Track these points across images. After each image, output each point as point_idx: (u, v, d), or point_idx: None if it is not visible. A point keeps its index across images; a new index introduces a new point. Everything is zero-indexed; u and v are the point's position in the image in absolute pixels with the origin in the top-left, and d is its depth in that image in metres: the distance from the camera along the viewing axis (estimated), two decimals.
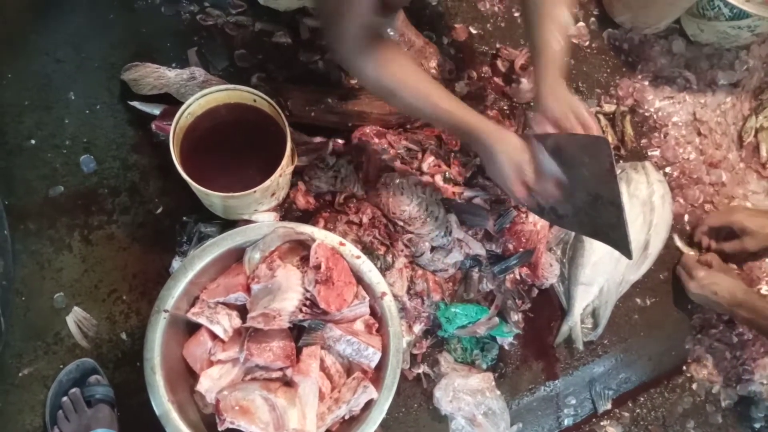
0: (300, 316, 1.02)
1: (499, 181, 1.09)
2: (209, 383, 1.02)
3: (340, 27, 1.00)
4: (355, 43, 1.00)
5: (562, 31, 1.07)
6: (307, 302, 1.03)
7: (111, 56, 1.35)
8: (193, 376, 1.03)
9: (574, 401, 1.36)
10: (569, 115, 1.02)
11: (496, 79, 1.47)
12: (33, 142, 1.28)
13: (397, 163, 1.31)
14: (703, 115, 1.55)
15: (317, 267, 1.02)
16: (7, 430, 1.15)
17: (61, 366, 1.18)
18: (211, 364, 1.03)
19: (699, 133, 1.54)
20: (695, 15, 1.52)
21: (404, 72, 1.04)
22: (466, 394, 1.24)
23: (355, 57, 1.02)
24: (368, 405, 1.03)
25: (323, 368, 1.02)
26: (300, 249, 1.07)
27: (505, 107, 1.46)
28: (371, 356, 1.04)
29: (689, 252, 1.45)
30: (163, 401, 0.96)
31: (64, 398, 1.15)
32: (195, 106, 1.11)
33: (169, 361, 0.99)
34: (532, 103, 1.25)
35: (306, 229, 1.06)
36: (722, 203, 1.50)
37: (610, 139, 1.47)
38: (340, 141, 1.34)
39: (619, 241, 1.00)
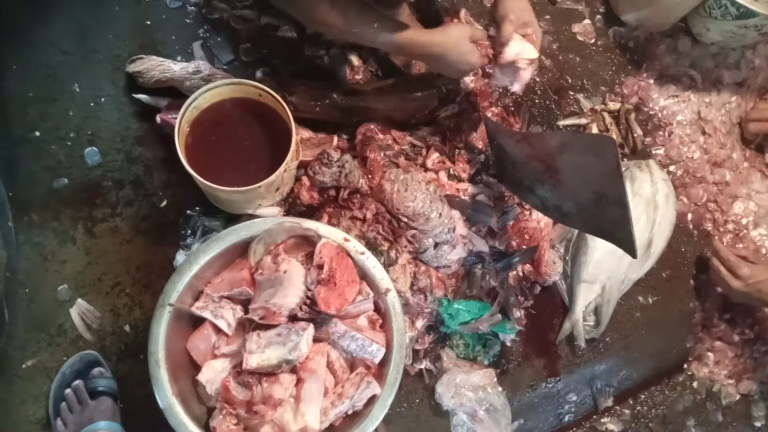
0: (299, 314, 1.03)
1: (464, 68, 1.17)
2: (211, 374, 1.02)
3: None
4: None
5: None
6: (308, 301, 1.03)
7: (116, 48, 1.34)
8: (196, 370, 1.03)
9: (575, 398, 1.36)
10: (525, 29, 1.13)
11: None
12: (37, 133, 1.28)
13: (402, 160, 1.31)
14: (707, 114, 1.55)
15: (320, 267, 1.02)
16: (11, 421, 1.15)
17: (65, 358, 1.19)
18: (215, 357, 1.03)
19: (703, 132, 1.54)
20: (701, 14, 1.51)
21: (344, 4, 1.05)
22: (468, 390, 1.25)
23: None
24: (371, 400, 1.03)
25: (328, 363, 1.02)
26: (305, 245, 1.07)
27: (510, 104, 1.46)
28: (375, 352, 1.05)
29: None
30: (167, 394, 0.96)
31: (67, 390, 1.15)
32: (201, 99, 1.11)
33: (173, 354, 0.99)
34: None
35: (312, 225, 1.06)
36: (726, 203, 1.50)
37: (614, 136, 1.47)
38: (344, 136, 1.34)
39: (624, 240, 1.00)
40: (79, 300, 1.22)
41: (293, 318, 1.02)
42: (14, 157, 1.26)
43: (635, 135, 1.49)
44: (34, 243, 1.23)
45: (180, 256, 1.24)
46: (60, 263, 1.23)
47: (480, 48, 1.15)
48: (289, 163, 1.12)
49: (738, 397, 1.43)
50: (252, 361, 0.97)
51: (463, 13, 1.49)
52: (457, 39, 1.13)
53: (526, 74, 1.17)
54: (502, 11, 1.14)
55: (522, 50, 1.14)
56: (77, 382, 1.15)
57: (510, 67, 1.16)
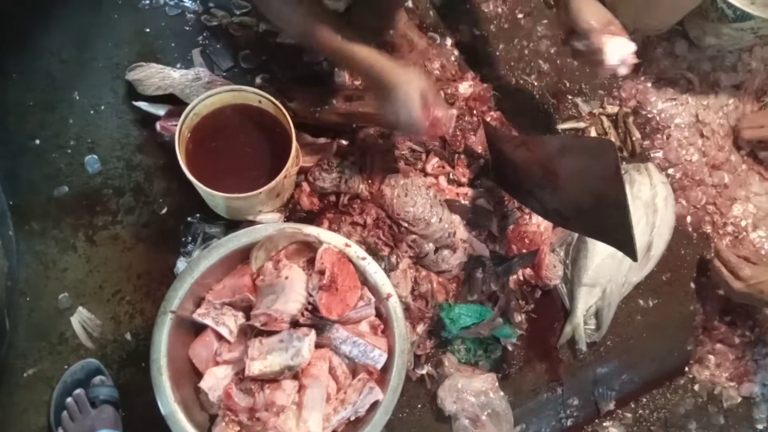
0: (301, 320, 1.03)
1: (403, 114, 1.03)
2: (213, 381, 1.02)
3: None
4: None
5: None
6: (309, 307, 1.03)
7: (115, 56, 1.35)
8: (198, 377, 1.03)
9: (576, 402, 1.36)
10: (609, 27, 1.11)
11: None
12: (37, 142, 1.28)
13: (401, 165, 1.32)
14: (705, 117, 1.55)
15: (321, 272, 1.02)
16: (12, 430, 1.15)
17: (66, 366, 1.19)
18: (216, 364, 1.03)
19: (701, 135, 1.55)
20: (698, 17, 1.52)
21: (311, 10, 1.02)
22: (470, 395, 1.25)
23: None
24: (374, 406, 1.03)
25: (330, 369, 1.02)
26: (307, 251, 1.07)
27: (509, 109, 1.46)
28: (377, 358, 1.05)
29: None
30: (169, 402, 0.96)
31: (69, 399, 1.15)
32: (201, 106, 1.11)
33: (175, 361, 0.99)
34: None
35: (313, 231, 1.06)
36: (724, 205, 1.50)
37: (612, 139, 1.47)
38: (344, 142, 1.34)
39: (624, 243, 1.00)
40: (80, 308, 1.22)
41: (295, 324, 1.02)
42: (14, 165, 1.26)
43: (634, 138, 1.49)
44: (35, 251, 1.23)
45: (181, 263, 1.24)
46: (61, 271, 1.23)
47: (425, 111, 1.03)
48: (290, 169, 1.12)
49: (739, 399, 1.43)
50: (254, 368, 0.97)
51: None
52: (411, 82, 1.02)
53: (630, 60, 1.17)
54: (584, 23, 1.12)
55: (619, 47, 1.13)
56: (78, 391, 1.15)
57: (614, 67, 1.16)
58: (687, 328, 1.45)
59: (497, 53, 1.51)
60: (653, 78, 1.56)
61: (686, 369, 1.44)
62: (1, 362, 1.15)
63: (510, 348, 1.33)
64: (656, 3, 1.48)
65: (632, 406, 1.40)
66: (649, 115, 1.54)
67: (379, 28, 1.36)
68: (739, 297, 1.36)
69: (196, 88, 1.28)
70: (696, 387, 1.43)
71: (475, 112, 1.41)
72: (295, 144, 1.12)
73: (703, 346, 1.45)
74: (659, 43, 1.59)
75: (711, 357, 1.44)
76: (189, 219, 1.27)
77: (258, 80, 1.36)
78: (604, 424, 1.37)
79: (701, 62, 1.59)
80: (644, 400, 1.41)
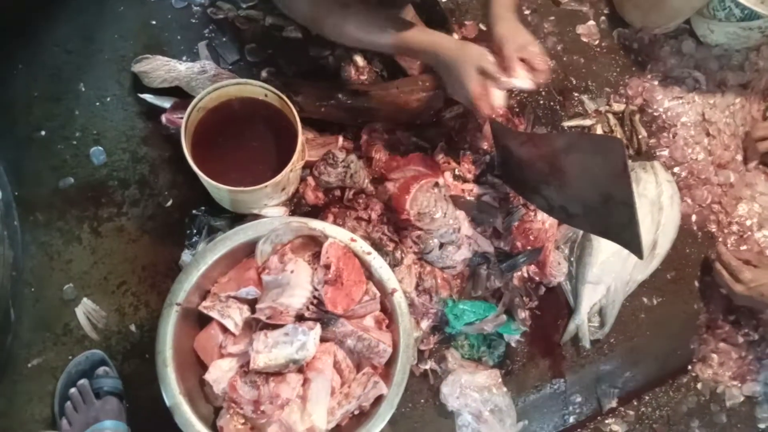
0: (306, 314, 1.03)
1: (461, 91, 1.08)
2: (218, 373, 1.03)
3: None
4: None
5: None
6: (315, 301, 1.03)
7: (121, 48, 1.34)
8: (203, 369, 1.03)
9: (579, 399, 1.36)
10: (522, 53, 1.06)
11: None
12: (43, 133, 1.28)
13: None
14: (712, 116, 1.55)
15: (327, 266, 1.02)
16: (16, 420, 1.15)
17: (70, 357, 1.19)
18: (221, 357, 1.03)
19: (708, 134, 1.54)
20: (706, 15, 1.51)
21: (359, 12, 1.07)
22: (473, 391, 1.25)
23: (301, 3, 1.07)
24: (378, 400, 1.03)
25: (335, 363, 1.03)
26: (312, 245, 1.07)
27: (514, 105, 1.46)
28: (382, 352, 1.05)
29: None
30: (174, 393, 0.96)
31: (73, 389, 1.15)
32: (207, 99, 1.11)
33: (180, 353, 0.99)
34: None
35: (318, 225, 1.06)
36: (730, 204, 1.50)
37: (618, 137, 1.47)
38: (349, 137, 1.34)
39: (630, 241, 1.00)
40: (85, 299, 1.22)
41: (300, 318, 1.03)
42: (20, 156, 1.26)
43: (640, 136, 1.49)
44: (40, 242, 1.23)
45: (185, 256, 1.24)
46: (66, 263, 1.23)
47: (481, 87, 1.05)
48: (295, 164, 1.12)
49: (742, 398, 1.43)
50: (259, 361, 0.97)
51: None
52: (468, 58, 1.05)
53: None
54: (497, 40, 1.08)
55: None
56: (82, 382, 1.15)
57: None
58: (691, 327, 1.44)
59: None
60: (660, 76, 1.56)
61: (689, 367, 1.44)
62: (6, 352, 1.15)
63: (513, 344, 1.33)
64: (664, 1, 1.48)
65: (635, 403, 1.40)
66: (655, 114, 1.54)
67: None
68: (741, 300, 1.36)
69: (201, 81, 1.28)
70: (699, 385, 1.43)
71: None
72: (301, 138, 1.11)
73: (706, 344, 1.44)
74: (666, 41, 1.58)
75: (714, 356, 1.44)
76: (194, 212, 1.27)
77: (264, 74, 1.36)
78: (607, 422, 1.37)
79: (708, 61, 1.58)
80: (647, 397, 1.40)
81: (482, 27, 1.51)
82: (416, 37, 1.08)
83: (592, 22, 1.57)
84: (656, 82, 1.56)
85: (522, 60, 1.05)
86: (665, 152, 1.52)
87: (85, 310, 1.21)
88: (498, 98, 1.07)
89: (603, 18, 1.59)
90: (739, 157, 1.55)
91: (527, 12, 1.54)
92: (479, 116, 1.13)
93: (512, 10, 1.13)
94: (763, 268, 1.35)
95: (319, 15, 1.06)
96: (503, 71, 1.05)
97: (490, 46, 1.09)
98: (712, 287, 1.45)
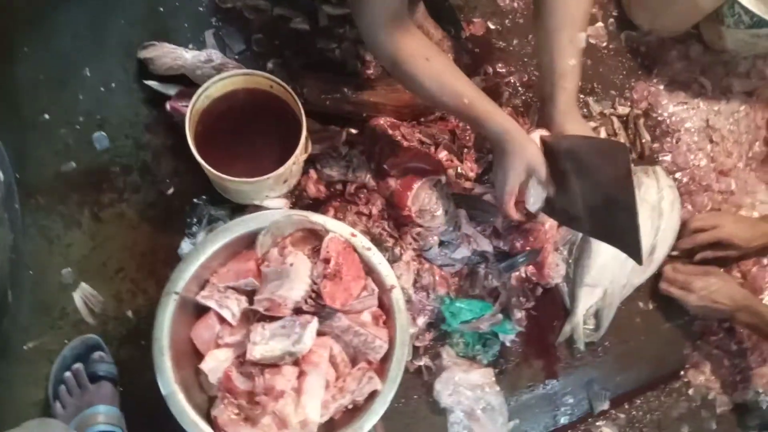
0: (304, 307, 1.03)
1: (501, 180, 1.09)
2: (214, 363, 1.03)
3: (375, 16, 1.00)
4: (389, 35, 1.01)
5: (580, 57, 1.07)
6: (313, 294, 1.03)
7: (128, 34, 1.34)
8: (199, 359, 1.03)
9: (571, 400, 1.37)
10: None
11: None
12: (47, 117, 1.28)
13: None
14: (716, 123, 1.55)
15: (327, 261, 1.02)
16: (11, 402, 1.16)
17: (66, 341, 1.19)
18: (218, 347, 1.04)
19: (711, 141, 1.54)
20: (714, 21, 1.51)
21: (436, 68, 1.04)
22: (466, 389, 1.26)
23: (390, 49, 1.03)
24: (372, 395, 1.03)
25: (330, 357, 1.03)
26: (312, 238, 1.07)
27: (519, 105, 1.46)
28: (378, 348, 1.05)
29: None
30: (169, 382, 0.97)
31: (67, 373, 1.15)
32: (213, 89, 1.11)
33: (176, 342, 1.00)
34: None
35: (319, 219, 1.06)
36: (729, 211, 1.50)
37: (622, 141, 1.47)
38: (353, 131, 1.34)
39: (631, 246, 1.00)
40: (83, 284, 1.22)
41: (298, 311, 1.03)
42: (23, 139, 1.26)
43: (643, 140, 1.49)
44: (40, 226, 1.23)
45: (185, 245, 1.24)
46: (65, 247, 1.23)
47: (521, 188, 1.08)
48: (299, 156, 1.12)
49: (732, 405, 1.44)
50: (256, 352, 0.97)
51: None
52: (526, 155, 1.04)
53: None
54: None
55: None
56: (77, 366, 1.16)
57: None
58: (685, 333, 1.45)
59: (511, 48, 1.50)
60: (666, 80, 1.56)
61: (682, 373, 1.44)
62: (3, 335, 1.15)
63: (508, 344, 1.33)
64: (673, 5, 1.47)
65: (626, 406, 1.41)
66: (659, 118, 1.53)
67: None
68: (696, 310, 1.38)
69: (207, 70, 1.28)
70: (690, 391, 1.44)
71: None
72: (305, 131, 1.11)
73: (699, 351, 1.45)
74: (674, 45, 1.58)
75: (707, 362, 1.45)
76: (195, 200, 1.27)
77: (269, 65, 1.35)
78: (597, 424, 1.38)
79: (715, 67, 1.58)
80: (638, 401, 1.41)
81: (490, 25, 1.50)
82: (489, 114, 1.05)
83: (600, 24, 1.57)
84: (662, 87, 1.55)
85: None
86: (668, 157, 1.52)
87: (82, 294, 1.21)
88: (531, 203, 1.10)
89: (611, 20, 1.58)
90: (741, 165, 1.55)
91: None
92: (502, 211, 1.12)
93: (576, 106, 1.10)
94: (711, 276, 1.37)
95: (399, 59, 1.03)
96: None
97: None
98: None
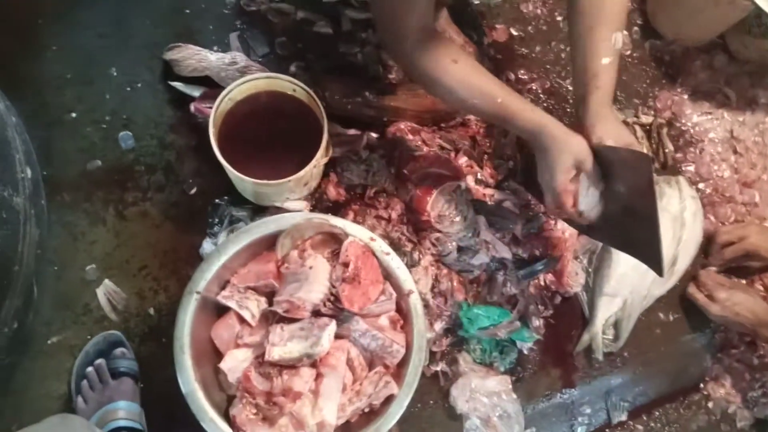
0: (323, 310, 1.04)
1: (547, 178, 1.02)
2: (233, 362, 1.04)
3: (400, 28, 0.98)
4: (414, 43, 0.99)
5: (616, 57, 1.03)
6: (332, 297, 1.04)
7: (153, 35, 1.36)
8: (218, 358, 1.05)
9: (588, 410, 1.36)
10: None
11: None
12: (73, 115, 1.30)
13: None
14: (740, 134, 1.53)
15: (345, 264, 1.03)
16: (33, 395, 1.18)
17: (89, 336, 1.21)
18: (237, 347, 1.05)
19: (735, 151, 1.53)
20: (740, 31, 1.49)
21: (464, 71, 1.00)
22: (483, 395, 1.25)
23: (416, 57, 1.00)
24: (388, 400, 1.04)
25: (347, 360, 1.03)
26: (332, 242, 1.08)
27: None
28: (395, 352, 1.05)
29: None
30: (190, 380, 0.98)
31: (89, 368, 1.17)
32: (236, 91, 1.12)
33: (197, 341, 1.01)
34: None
35: (339, 223, 1.06)
36: (753, 224, 1.48)
37: (645, 150, 1.46)
38: (374, 135, 1.34)
39: (651, 257, 1.00)
40: (106, 281, 1.24)
41: (316, 313, 1.04)
42: (50, 137, 1.28)
43: (666, 150, 1.48)
44: (65, 222, 1.25)
45: (206, 244, 1.25)
46: (89, 244, 1.25)
47: (570, 184, 1.01)
48: (320, 159, 1.13)
49: (753, 420, 1.41)
50: (275, 353, 0.98)
51: None
52: (571, 148, 0.98)
53: None
54: (598, 140, 1.00)
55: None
56: (99, 361, 1.17)
57: None
58: (705, 346, 1.43)
59: (533, 55, 1.50)
60: (690, 90, 1.55)
61: (701, 386, 1.43)
62: (27, 328, 1.17)
63: (526, 352, 1.33)
64: (698, 14, 1.46)
65: (644, 418, 1.39)
66: (683, 128, 1.52)
67: None
68: (717, 320, 1.36)
69: (231, 72, 1.29)
70: (710, 404, 1.42)
71: None
72: (326, 134, 1.12)
73: (720, 364, 1.43)
74: (698, 55, 1.56)
75: (728, 375, 1.43)
76: (217, 201, 1.28)
77: (292, 68, 1.36)
78: None
79: (740, 77, 1.57)
80: (657, 413, 1.40)
81: (513, 32, 1.50)
82: (523, 112, 1.00)
83: (624, 32, 1.54)
84: (686, 96, 1.54)
85: None
86: (691, 167, 1.50)
87: (105, 291, 1.23)
88: (583, 202, 1.03)
89: (636, 28, 1.57)
90: (765, 177, 1.53)
91: (559, 18, 1.53)
92: (549, 210, 1.08)
93: (611, 106, 1.04)
94: (736, 289, 1.36)
95: (425, 66, 1.00)
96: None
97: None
98: None
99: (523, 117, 1.01)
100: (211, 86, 1.29)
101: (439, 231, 1.26)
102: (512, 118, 1.01)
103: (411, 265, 1.24)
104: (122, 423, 1.10)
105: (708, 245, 1.45)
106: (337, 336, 1.03)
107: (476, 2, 1.50)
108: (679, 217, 1.37)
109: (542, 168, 1.04)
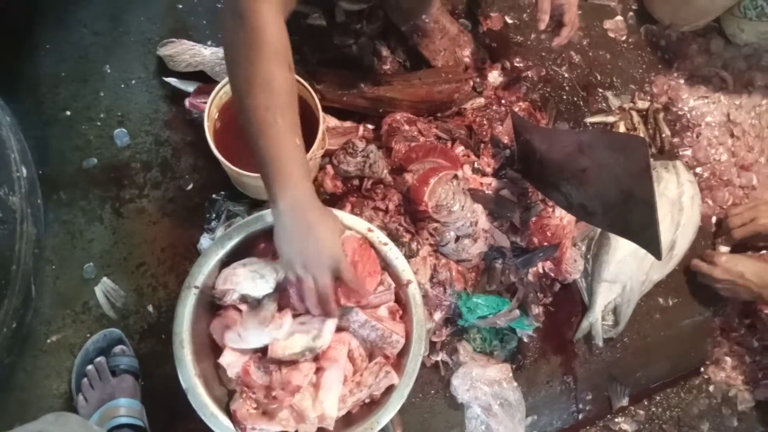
0: None
1: (298, 255, 0.88)
2: (232, 357, 1.04)
3: None
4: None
5: None
6: None
7: (147, 31, 1.35)
8: (218, 352, 1.04)
9: (590, 396, 1.37)
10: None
11: None
12: (68, 113, 1.30)
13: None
14: (737, 117, 1.52)
15: None
16: (34, 394, 1.18)
17: (88, 335, 1.21)
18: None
19: (732, 135, 1.52)
20: (736, 14, 1.49)
21: (290, 83, 0.87)
22: (484, 384, 1.25)
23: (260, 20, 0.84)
24: (389, 390, 1.04)
25: (348, 352, 1.03)
26: None
27: (537, 99, 1.45)
28: (395, 343, 1.05)
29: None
30: (190, 375, 0.98)
31: (90, 366, 1.17)
32: None
33: (196, 336, 1.01)
34: None
35: (336, 214, 1.06)
36: (764, 204, 1.48)
37: (642, 135, 1.46)
38: (370, 126, 1.34)
39: (649, 241, 0.99)
40: (105, 278, 1.24)
41: None
42: (45, 135, 1.28)
43: (663, 135, 1.48)
44: (63, 221, 1.25)
45: (204, 240, 1.25)
46: (87, 242, 1.25)
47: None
48: (315, 152, 1.13)
49: (754, 403, 1.42)
50: (278, 349, 0.98)
51: None
52: (333, 226, 0.90)
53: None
54: None
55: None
56: (99, 359, 1.17)
57: None
58: (705, 329, 1.44)
59: (529, 43, 1.50)
60: (686, 74, 1.54)
61: (702, 369, 1.43)
62: (27, 328, 1.17)
63: (526, 339, 1.33)
64: None
65: (645, 403, 1.40)
66: (680, 113, 1.52)
67: (413, 10, 1.35)
68: (722, 285, 1.36)
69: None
70: (711, 388, 1.42)
71: (503, 101, 1.40)
72: (322, 127, 1.12)
73: (720, 347, 1.44)
74: (694, 39, 1.56)
75: (728, 359, 1.43)
76: (214, 196, 1.28)
77: None
78: (616, 420, 1.37)
79: (736, 60, 1.56)
80: (658, 398, 1.40)
81: (507, 20, 1.49)
82: (296, 178, 0.86)
83: (619, 18, 1.55)
84: (682, 81, 1.54)
85: None
86: (688, 152, 1.50)
87: (104, 288, 1.23)
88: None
89: (631, 14, 1.57)
90: (763, 159, 1.53)
91: None
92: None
93: None
94: (742, 256, 1.39)
95: (260, 34, 0.85)
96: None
97: None
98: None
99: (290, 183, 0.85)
100: (206, 81, 1.29)
101: (437, 221, 1.26)
102: (272, 159, 0.86)
103: (409, 256, 1.23)
104: (123, 420, 1.11)
105: (715, 229, 1.48)
106: (338, 328, 1.03)
107: None
108: (677, 201, 1.37)
109: (303, 240, 0.88)
